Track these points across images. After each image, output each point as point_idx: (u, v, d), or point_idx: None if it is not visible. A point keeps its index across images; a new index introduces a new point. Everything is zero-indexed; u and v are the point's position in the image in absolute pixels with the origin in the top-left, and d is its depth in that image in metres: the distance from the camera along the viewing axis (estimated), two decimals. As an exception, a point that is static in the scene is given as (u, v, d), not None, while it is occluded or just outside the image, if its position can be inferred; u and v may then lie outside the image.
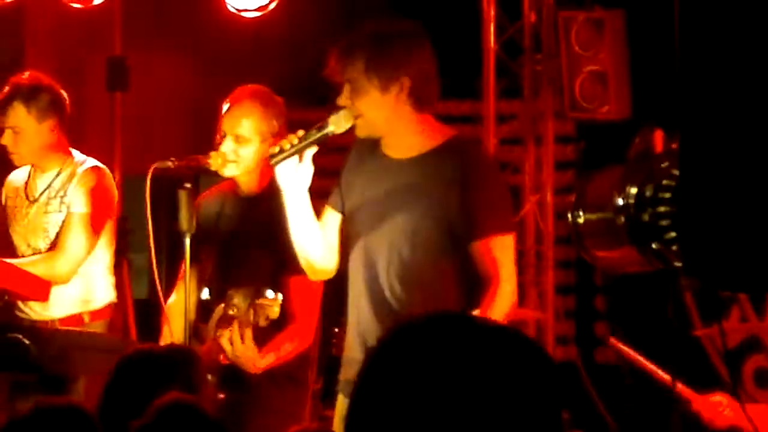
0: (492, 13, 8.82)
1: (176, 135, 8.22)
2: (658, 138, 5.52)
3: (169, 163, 5.94)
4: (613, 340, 6.92)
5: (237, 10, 8.09)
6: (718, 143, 3.09)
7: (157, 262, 6.06)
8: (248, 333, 5.90)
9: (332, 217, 5.72)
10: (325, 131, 5.50)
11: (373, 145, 5.65)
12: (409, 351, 2.48)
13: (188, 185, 5.84)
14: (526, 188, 9.07)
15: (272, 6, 8.01)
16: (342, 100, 5.52)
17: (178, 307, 6.33)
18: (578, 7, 8.65)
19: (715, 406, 6.41)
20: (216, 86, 7.05)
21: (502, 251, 5.49)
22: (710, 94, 3.09)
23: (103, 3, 7.99)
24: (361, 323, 5.56)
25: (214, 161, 5.97)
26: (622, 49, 8.59)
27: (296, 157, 5.52)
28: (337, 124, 5.51)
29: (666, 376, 6.50)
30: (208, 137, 6.62)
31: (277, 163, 5.51)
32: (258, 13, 8.02)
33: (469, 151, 5.74)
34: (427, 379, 2.43)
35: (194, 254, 6.61)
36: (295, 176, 5.57)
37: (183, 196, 5.83)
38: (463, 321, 2.56)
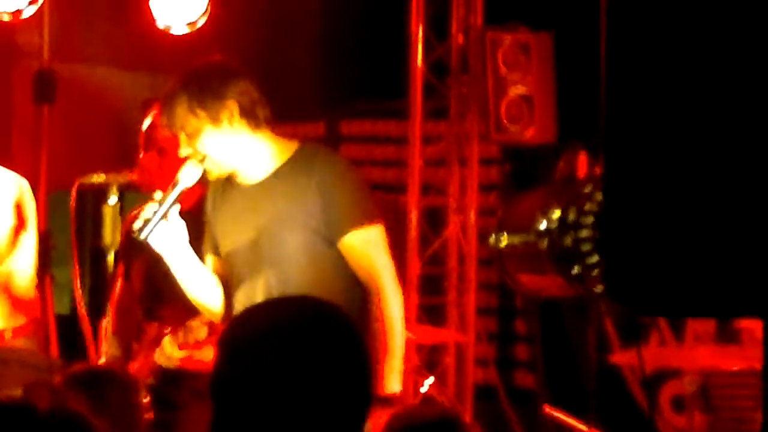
0: (419, 32, 8.84)
1: (103, 148, 8.20)
2: (582, 162, 5.56)
3: (96, 177, 5.92)
4: (546, 409, 6.93)
5: (165, 26, 8.09)
6: (642, 169, 3.11)
7: (80, 278, 6.04)
8: (177, 350, 5.98)
9: (211, 261, 5.75)
10: (180, 188, 5.54)
11: (226, 182, 5.66)
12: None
13: (113, 200, 5.82)
14: (450, 210, 9.07)
15: (201, 22, 8.01)
16: (182, 150, 5.54)
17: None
18: (506, 29, 8.68)
19: None
20: (143, 100, 7.06)
21: (370, 244, 5.54)
22: (635, 119, 3.11)
23: (30, 15, 7.97)
24: None
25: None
26: (548, 73, 8.63)
27: (162, 220, 5.55)
28: (187, 177, 5.55)
29: None
30: (135, 152, 6.63)
31: (146, 236, 5.53)
32: (187, 29, 8.01)
33: (318, 155, 5.73)
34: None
35: (125, 272, 6.63)
36: (169, 238, 5.59)
37: (107, 212, 5.81)
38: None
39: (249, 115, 5.56)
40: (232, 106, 5.52)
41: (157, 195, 5.60)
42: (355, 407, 2.91)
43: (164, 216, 5.56)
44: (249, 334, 2.94)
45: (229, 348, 2.94)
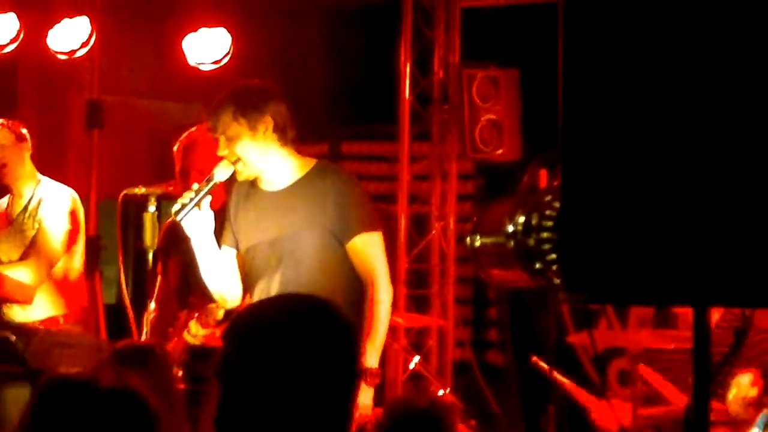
0: (407, 69, 8.84)
1: (144, 166, 8.18)
2: (543, 176, 5.52)
3: (138, 190, 5.91)
4: (534, 359, 6.91)
5: (196, 63, 8.08)
6: (592, 182, 3.11)
7: (124, 274, 6.03)
8: (201, 329, 5.99)
9: (230, 253, 5.71)
10: (213, 182, 5.54)
11: (250, 186, 5.64)
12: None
13: (152, 209, 5.81)
14: (433, 216, 9.06)
15: (225, 61, 8.00)
16: (221, 150, 5.54)
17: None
18: (478, 66, 8.67)
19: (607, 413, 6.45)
20: (178, 125, 7.05)
21: (372, 246, 5.53)
22: (587, 141, 3.11)
23: (83, 55, 7.96)
24: None
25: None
26: (515, 102, 8.62)
27: (196, 208, 5.55)
28: (220, 174, 5.54)
29: (575, 388, 6.53)
30: (171, 167, 6.63)
31: (182, 218, 5.54)
32: (214, 66, 8.00)
33: (331, 171, 5.70)
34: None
35: (163, 269, 6.62)
36: (198, 224, 5.59)
37: (147, 218, 5.80)
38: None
39: (280, 131, 5.56)
40: (268, 121, 5.52)
41: (195, 186, 5.61)
42: (343, 388, 2.90)
43: (197, 204, 5.56)
44: (252, 325, 2.94)
45: (234, 337, 2.92)
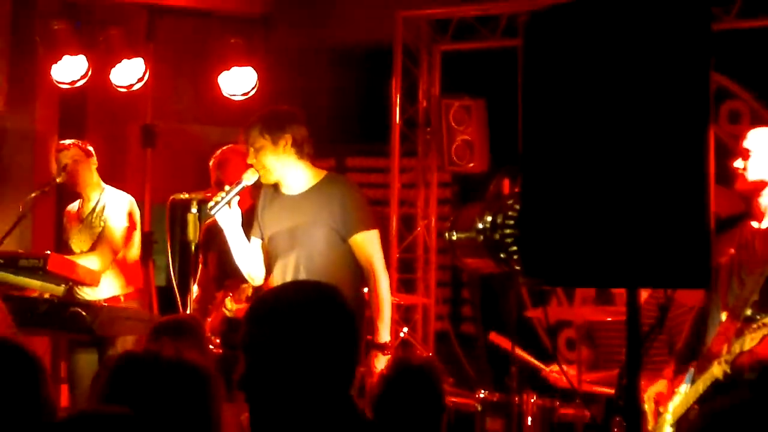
0: (397, 99, 8.83)
1: (188, 176, 8.17)
2: (506, 184, 5.53)
3: (183, 195, 5.91)
4: (492, 335, 6.88)
5: (229, 94, 8.08)
6: (545, 190, 3.11)
7: (172, 262, 6.02)
8: (235, 305, 6.02)
9: (257, 243, 5.72)
10: (242, 184, 5.58)
11: (274, 189, 5.66)
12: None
13: (194, 210, 5.80)
14: (418, 217, 9.05)
15: (252, 93, 8.00)
16: (250, 159, 5.55)
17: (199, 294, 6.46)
18: (454, 97, 8.66)
19: (557, 373, 6.43)
20: (215, 144, 7.04)
21: (370, 243, 5.53)
22: (541, 157, 3.11)
23: (139, 87, 7.97)
24: None
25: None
26: (483, 126, 8.61)
27: (227, 205, 5.56)
28: (248, 179, 5.56)
29: (529, 358, 6.50)
30: (209, 178, 6.62)
31: (216, 212, 5.55)
32: (243, 97, 8.00)
33: (339, 181, 5.72)
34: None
35: (204, 260, 6.62)
36: (229, 217, 5.60)
37: (190, 218, 5.79)
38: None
39: (298, 146, 5.57)
40: (288, 138, 5.53)
41: (226, 188, 5.62)
42: (345, 356, 2.87)
43: (228, 203, 5.57)
44: (269, 308, 2.90)
45: (254, 317, 2.89)
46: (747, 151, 5.02)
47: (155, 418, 2.61)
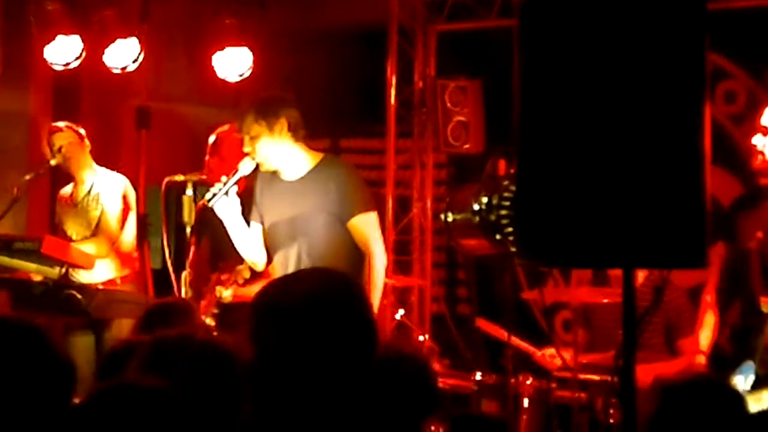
0: (393, 80, 8.83)
1: (183, 158, 8.17)
2: (502, 165, 5.53)
3: (178, 177, 5.91)
4: (479, 321, 6.88)
5: (224, 75, 8.06)
6: (542, 171, 3.12)
7: (167, 244, 6.04)
8: (230, 289, 5.97)
9: (257, 227, 5.73)
10: (239, 174, 5.59)
11: (272, 175, 5.65)
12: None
13: (189, 192, 5.81)
14: (414, 198, 9.07)
15: (247, 74, 7.98)
16: (245, 147, 5.55)
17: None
18: (450, 78, 8.66)
19: (549, 357, 6.44)
20: (210, 125, 7.04)
21: (369, 225, 5.54)
22: (537, 138, 3.12)
23: (134, 68, 7.95)
24: None
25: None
26: (479, 106, 8.61)
27: (225, 196, 5.56)
28: (245, 167, 5.56)
29: (521, 343, 6.51)
30: (203, 160, 6.62)
31: (213, 203, 5.55)
32: (239, 78, 7.99)
33: (335, 164, 5.73)
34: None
35: (197, 241, 6.62)
36: (228, 207, 5.61)
37: (185, 200, 5.80)
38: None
39: (293, 130, 5.56)
40: (283, 123, 5.53)
41: (223, 178, 5.62)
42: (361, 343, 2.76)
43: (226, 193, 5.57)
44: (277, 300, 2.79)
45: (262, 311, 2.78)
46: (766, 128, 4.92)
47: (188, 399, 2.56)
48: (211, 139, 6.65)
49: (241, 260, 5.87)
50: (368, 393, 2.78)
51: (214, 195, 5.56)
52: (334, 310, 2.73)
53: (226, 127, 6.70)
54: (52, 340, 2.68)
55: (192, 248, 6.56)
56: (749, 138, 5.00)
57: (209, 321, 5.94)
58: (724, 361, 4.89)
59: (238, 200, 5.64)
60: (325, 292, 2.77)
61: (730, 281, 5.00)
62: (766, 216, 4.91)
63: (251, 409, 2.71)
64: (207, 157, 6.57)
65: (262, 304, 2.81)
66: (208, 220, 6.30)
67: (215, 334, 5.83)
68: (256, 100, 5.64)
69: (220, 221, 5.76)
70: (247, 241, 5.73)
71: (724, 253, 4.93)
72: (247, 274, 5.92)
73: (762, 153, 4.85)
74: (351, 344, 2.73)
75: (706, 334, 5.12)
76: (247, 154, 5.57)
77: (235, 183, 5.59)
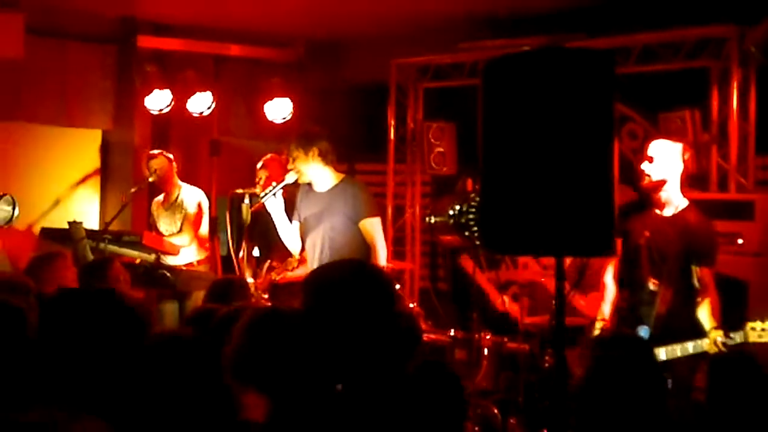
0: (392, 122, 8.83)
1: (242, 177, 8.17)
2: (469, 183, 5.56)
3: (239, 190, 5.91)
4: (460, 261, 6.83)
5: (272, 118, 8.07)
6: (498, 186, 3.12)
7: (231, 238, 6.03)
8: (282, 273, 5.96)
9: (296, 224, 5.70)
10: (285, 182, 5.58)
11: (309, 186, 5.64)
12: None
13: (246, 201, 5.81)
14: (407, 206, 9.06)
15: (289, 117, 7.98)
16: (289, 165, 5.54)
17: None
18: (433, 120, 8.66)
19: (508, 301, 6.44)
20: (261, 154, 7.04)
21: (374, 226, 5.49)
22: (494, 163, 3.13)
23: (208, 113, 7.95)
24: None
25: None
26: (453, 141, 8.59)
27: (273, 196, 5.55)
28: (289, 178, 5.55)
29: (485, 282, 6.49)
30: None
31: (265, 200, 5.54)
32: (283, 120, 7.99)
33: (352, 181, 5.70)
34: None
35: (249, 236, 6.59)
36: (275, 204, 5.59)
37: (244, 207, 5.80)
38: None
39: (322, 156, 5.55)
40: (315, 150, 5.51)
41: (273, 184, 5.61)
42: (386, 317, 2.71)
43: (274, 194, 5.57)
44: (323, 281, 2.76)
45: (312, 288, 2.74)
46: (651, 157, 4.93)
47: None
48: (259, 164, 6.70)
49: (289, 254, 5.85)
50: (403, 376, 2.71)
51: (266, 195, 5.56)
52: (365, 284, 2.74)
53: (269, 156, 6.73)
54: (131, 302, 2.57)
55: (244, 242, 6.55)
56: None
57: (264, 296, 5.90)
58: (621, 327, 4.86)
59: (282, 200, 5.64)
60: (357, 272, 2.79)
61: (624, 268, 5.01)
62: (651, 220, 4.92)
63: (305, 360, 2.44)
64: (257, 177, 6.58)
65: (312, 281, 2.78)
66: (260, 222, 6.30)
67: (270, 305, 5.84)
68: (299, 133, 5.65)
69: (270, 219, 5.76)
70: (288, 232, 5.72)
71: (620, 247, 4.92)
72: (294, 263, 5.90)
73: (648, 175, 4.86)
74: (376, 308, 2.71)
75: (607, 306, 5.08)
76: (289, 171, 5.57)
77: (281, 189, 5.60)
